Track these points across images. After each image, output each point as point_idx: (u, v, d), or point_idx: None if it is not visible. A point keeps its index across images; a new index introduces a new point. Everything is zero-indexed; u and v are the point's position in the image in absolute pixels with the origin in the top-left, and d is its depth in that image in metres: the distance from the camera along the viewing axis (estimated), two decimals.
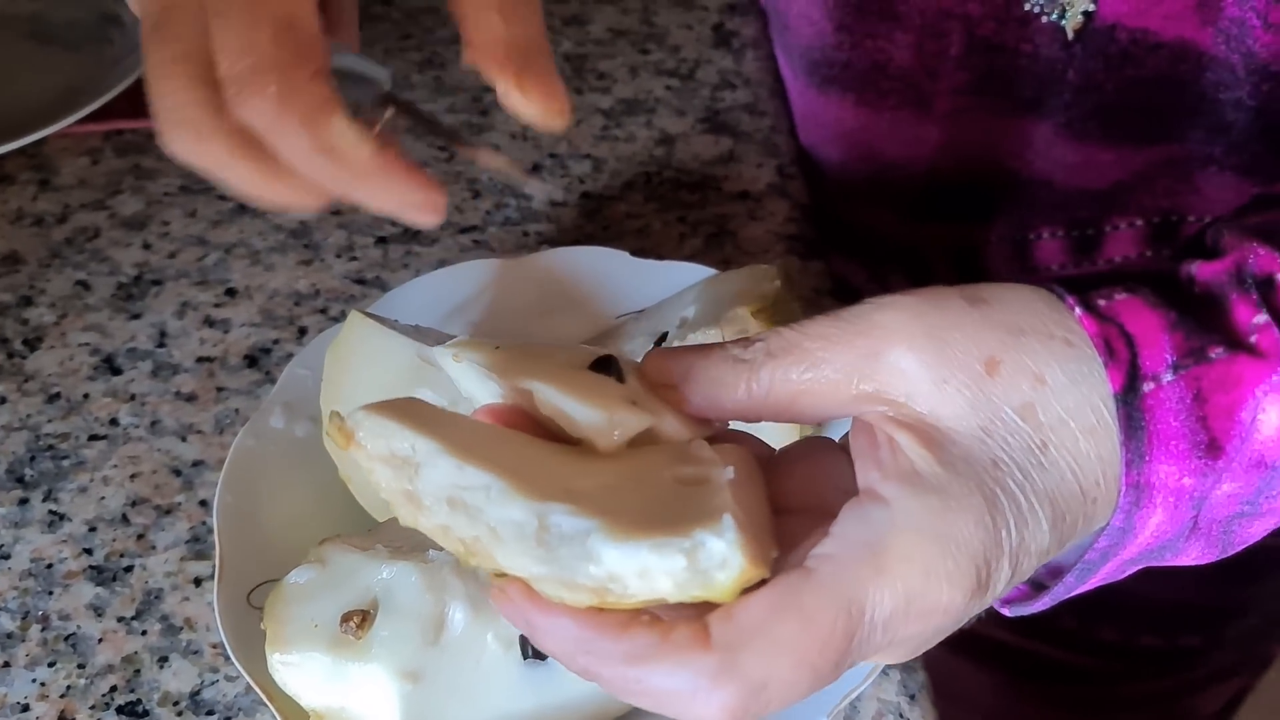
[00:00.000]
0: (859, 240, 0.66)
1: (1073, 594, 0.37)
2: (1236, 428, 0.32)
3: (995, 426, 0.31)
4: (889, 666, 0.48)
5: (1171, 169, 0.54)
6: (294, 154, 0.31)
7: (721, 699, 0.30)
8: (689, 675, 0.30)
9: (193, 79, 0.31)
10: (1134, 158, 0.54)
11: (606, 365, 0.35)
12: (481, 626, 0.41)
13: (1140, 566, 0.37)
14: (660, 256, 0.57)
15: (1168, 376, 0.32)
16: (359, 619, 0.41)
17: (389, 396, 0.48)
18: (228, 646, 0.43)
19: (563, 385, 0.34)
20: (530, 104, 0.33)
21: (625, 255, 0.56)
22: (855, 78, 0.59)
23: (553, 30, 0.79)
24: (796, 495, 0.35)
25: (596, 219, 0.65)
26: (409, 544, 0.43)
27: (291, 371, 0.52)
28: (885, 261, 0.65)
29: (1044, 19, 0.52)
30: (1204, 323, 0.33)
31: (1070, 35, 0.51)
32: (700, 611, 0.31)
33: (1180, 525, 0.34)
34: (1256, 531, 0.36)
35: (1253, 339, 0.33)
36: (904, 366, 0.32)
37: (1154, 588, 0.69)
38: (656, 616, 0.31)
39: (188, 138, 0.31)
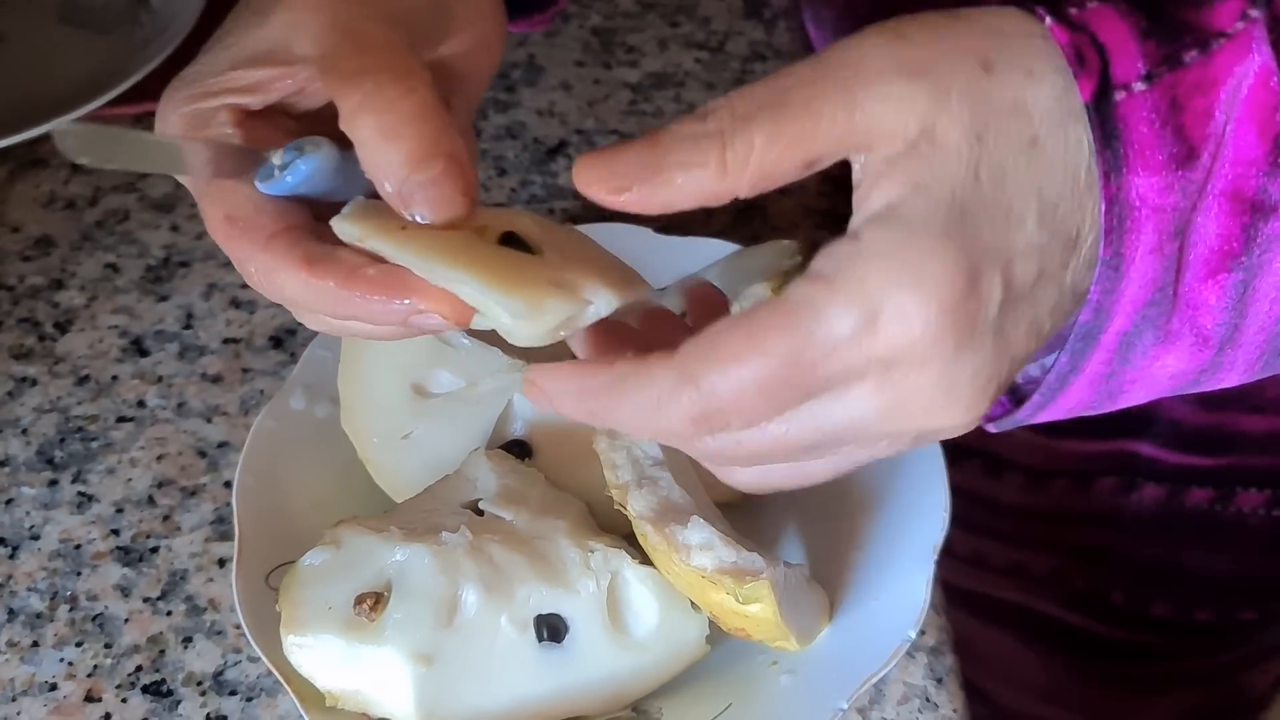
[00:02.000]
0: None
1: (1072, 392, 0.35)
2: (1212, 127, 0.31)
3: (988, 129, 0.30)
4: (914, 649, 0.47)
5: None
6: (293, 302, 0.37)
7: (679, 407, 0.31)
8: (654, 389, 0.31)
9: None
10: None
11: (513, 240, 0.35)
12: (495, 609, 0.41)
13: (1170, 387, 0.35)
14: (687, 233, 0.56)
15: (1140, 85, 0.31)
16: (372, 601, 0.41)
17: (405, 378, 0.48)
18: (246, 628, 0.43)
19: (482, 271, 0.33)
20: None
21: (648, 232, 0.55)
22: None
23: (581, 4, 0.78)
24: None
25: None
26: (423, 526, 0.43)
27: (312, 353, 0.51)
28: None
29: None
30: (1179, 27, 0.31)
31: None
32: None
33: (1166, 263, 0.32)
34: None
35: (1235, 27, 0.31)
36: (899, 88, 0.30)
37: (1208, 560, 0.68)
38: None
39: (304, 317, 0.38)
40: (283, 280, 0.36)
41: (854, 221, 0.31)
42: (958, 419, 0.31)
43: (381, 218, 0.35)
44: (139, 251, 0.63)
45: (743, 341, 0.30)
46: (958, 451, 0.68)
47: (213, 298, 0.61)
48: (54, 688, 0.47)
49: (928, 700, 0.46)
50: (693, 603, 0.43)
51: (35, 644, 0.49)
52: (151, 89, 0.66)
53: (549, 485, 0.46)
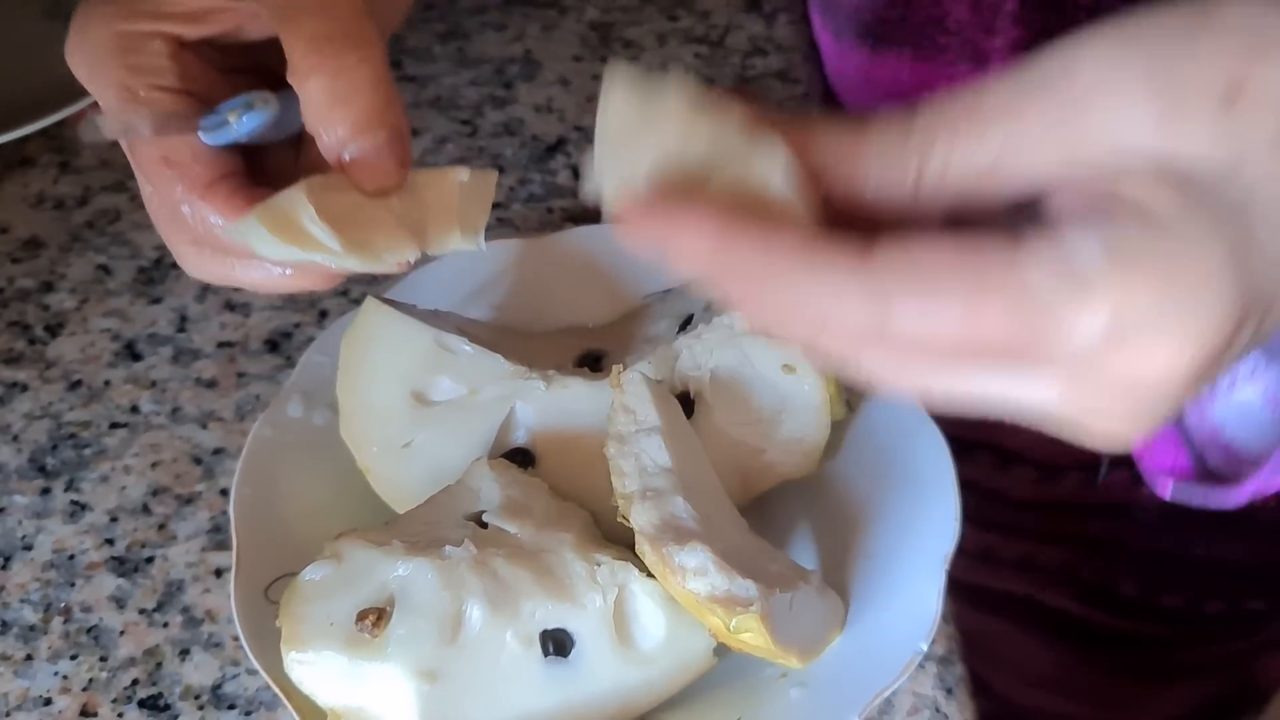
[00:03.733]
0: None
1: None
2: None
3: (1243, 164, 0.26)
4: (924, 659, 0.46)
5: None
6: (224, 242, 0.38)
7: (853, 320, 0.26)
8: (831, 290, 0.26)
9: (166, 217, 0.39)
10: None
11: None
12: (500, 625, 0.40)
13: None
14: None
15: None
16: (375, 617, 0.40)
17: (405, 385, 0.47)
18: (244, 643, 0.42)
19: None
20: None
21: None
22: (911, 35, 0.57)
23: None
24: None
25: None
26: (425, 539, 0.42)
27: (309, 359, 0.50)
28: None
29: None
30: None
31: None
32: None
33: None
34: None
35: None
36: (1124, 113, 0.26)
37: (1219, 551, 0.67)
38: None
39: (186, 262, 0.39)
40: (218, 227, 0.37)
41: (1095, 196, 0.27)
42: (1120, 435, 0.28)
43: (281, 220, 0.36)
44: (131, 253, 0.62)
45: (961, 294, 0.26)
46: (966, 445, 0.68)
47: (206, 300, 0.60)
48: (48, 702, 0.46)
49: (937, 710, 0.46)
50: None
51: (29, 657, 0.48)
52: None
53: (553, 495, 0.45)
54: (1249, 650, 0.75)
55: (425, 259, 0.38)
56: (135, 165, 0.38)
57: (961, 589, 0.79)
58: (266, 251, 0.35)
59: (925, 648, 0.41)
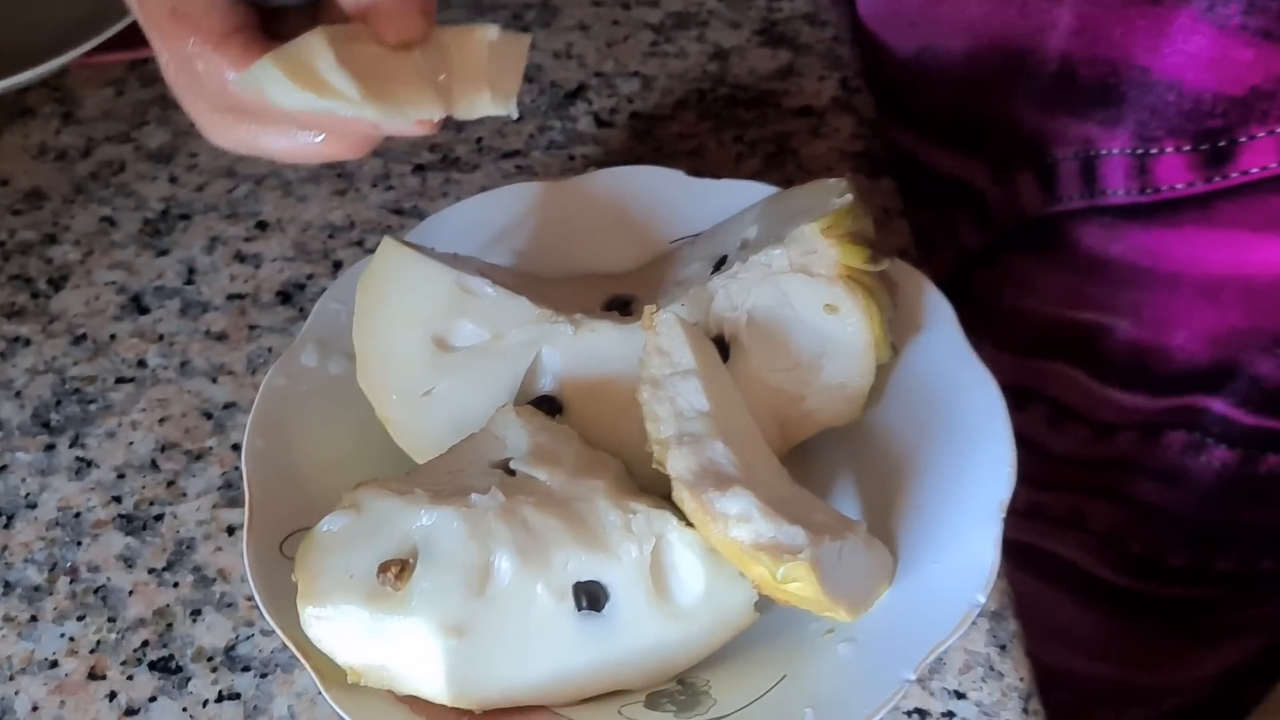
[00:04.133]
0: (983, 135, 0.61)
1: None
2: None
3: None
4: (977, 615, 0.44)
5: None
6: (242, 101, 0.36)
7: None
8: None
9: (186, 86, 0.38)
10: (1276, 58, 0.49)
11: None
12: (531, 576, 0.38)
13: None
14: (719, 176, 0.53)
15: None
16: (398, 569, 0.38)
17: (426, 331, 0.45)
18: (259, 600, 0.40)
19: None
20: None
21: (680, 174, 0.52)
22: None
23: None
24: None
25: (647, 140, 0.61)
26: (450, 488, 0.39)
27: (324, 305, 0.48)
28: (1012, 157, 0.60)
29: None
30: None
31: None
32: None
33: None
34: None
35: None
36: None
37: (1273, 517, 0.65)
38: None
39: (213, 131, 0.38)
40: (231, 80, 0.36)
41: None
42: None
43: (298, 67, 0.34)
44: (136, 204, 0.60)
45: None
46: (1019, 397, 0.65)
47: (215, 251, 0.57)
48: (55, 665, 0.44)
49: (991, 669, 0.43)
50: None
51: (34, 619, 0.45)
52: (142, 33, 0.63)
53: (583, 443, 0.42)
54: None
55: (453, 123, 0.36)
56: (146, 26, 0.37)
57: (1007, 549, 0.78)
58: (281, 98, 0.33)
59: (983, 599, 0.39)
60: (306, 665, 0.39)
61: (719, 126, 0.62)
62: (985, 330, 0.65)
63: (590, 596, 0.38)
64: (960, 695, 0.42)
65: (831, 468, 0.45)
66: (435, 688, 0.38)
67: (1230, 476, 0.63)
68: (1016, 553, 0.72)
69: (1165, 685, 0.79)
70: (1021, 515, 0.71)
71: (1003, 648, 0.44)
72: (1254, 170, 0.52)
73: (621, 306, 0.48)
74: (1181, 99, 0.52)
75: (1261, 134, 0.51)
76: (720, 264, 0.46)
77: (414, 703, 0.38)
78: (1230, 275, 0.56)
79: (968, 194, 0.62)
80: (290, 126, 0.37)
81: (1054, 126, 0.57)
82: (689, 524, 0.39)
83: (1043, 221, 0.59)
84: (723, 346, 0.45)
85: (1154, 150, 0.54)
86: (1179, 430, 0.62)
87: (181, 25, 0.35)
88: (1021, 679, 0.43)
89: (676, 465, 0.38)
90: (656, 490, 0.41)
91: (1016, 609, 0.46)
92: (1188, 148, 0.53)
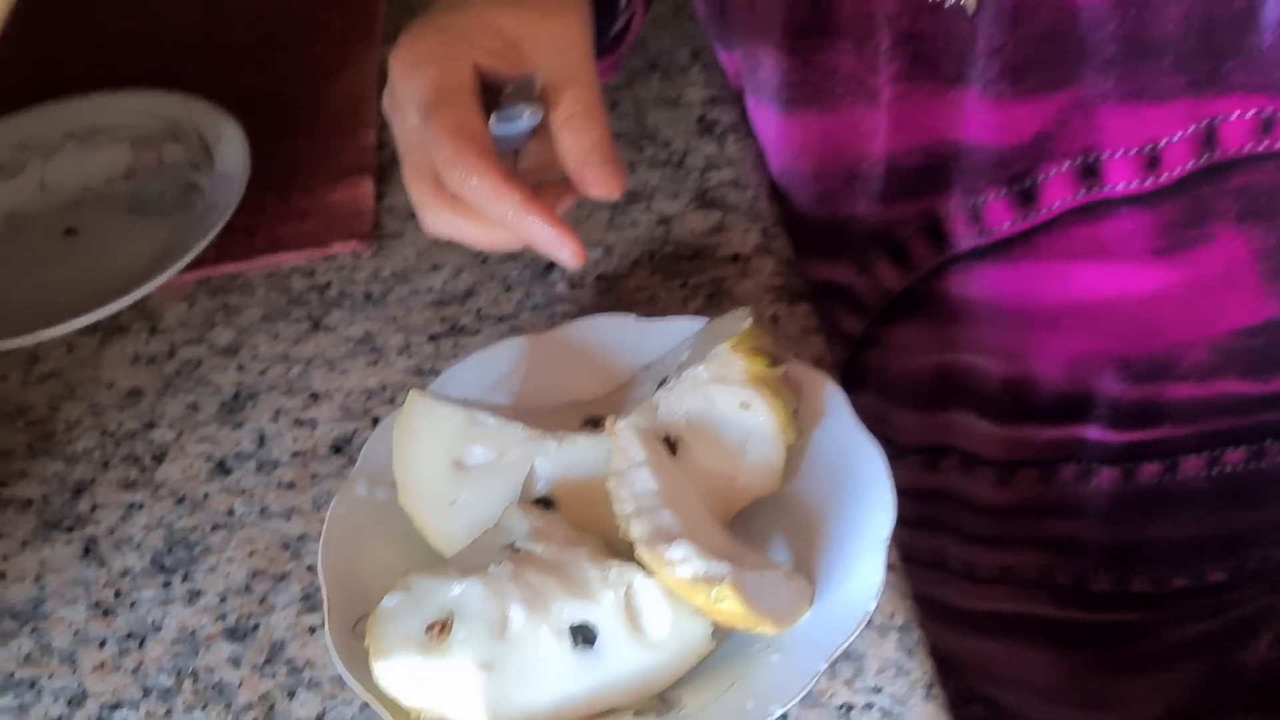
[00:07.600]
0: (843, 240, 0.73)
1: None
2: None
3: None
4: (887, 628, 0.56)
5: (1079, 110, 0.60)
6: (473, 200, 0.53)
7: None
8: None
9: (421, 176, 0.55)
10: (1046, 107, 0.61)
11: None
12: (537, 621, 0.51)
13: None
14: (664, 316, 0.68)
15: None
16: (440, 627, 0.51)
17: (447, 456, 0.59)
18: (341, 669, 0.54)
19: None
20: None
21: (632, 317, 0.67)
22: (814, 92, 0.68)
23: None
24: None
25: (610, 295, 0.76)
26: (473, 566, 0.53)
27: (370, 448, 0.63)
28: (867, 250, 0.72)
29: (947, 4, 0.61)
30: None
31: (970, 12, 0.60)
32: None
33: None
34: None
35: None
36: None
37: (1171, 530, 0.73)
38: None
39: (426, 211, 0.55)
40: (484, 189, 0.52)
41: None
42: None
43: None
44: (213, 391, 0.75)
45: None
46: (931, 452, 0.75)
47: (280, 420, 0.73)
48: None
49: (900, 669, 0.56)
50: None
51: (168, 712, 0.59)
52: (209, 257, 0.79)
53: (570, 527, 0.56)
54: (1226, 630, 0.78)
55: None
56: (428, 127, 0.53)
57: (951, 613, 0.87)
58: None
59: (873, 607, 0.52)
60: (381, 710, 0.52)
61: (667, 277, 0.77)
62: (890, 397, 0.77)
63: (584, 635, 0.52)
64: (877, 690, 0.55)
65: (764, 527, 0.59)
66: (477, 714, 0.51)
67: (1120, 494, 0.71)
68: (960, 617, 0.80)
69: None
70: (959, 576, 0.79)
71: (909, 652, 0.56)
72: (1056, 204, 0.63)
73: (595, 424, 0.63)
74: (988, 155, 0.63)
75: (1054, 170, 0.62)
76: (663, 383, 0.61)
77: None
78: (1063, 304, 0.66)
79: (839, 290, 0.74)
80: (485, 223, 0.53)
81: (895, 213, 0.69)
82: (651, 574, 0.53)
83: (905, 291, 0.71)
84: (671, 445, 0.59)
85: (980, 200, 0.65)
86: (1070, 463, 0.71)
87: (462, 138, 0.52)
88: (925, 673, 0.56)
89: (636, 531, 0.52)
90: (626, 555, 0.55)
91: (959, 663, 0.57)
92: (1005, 191, 0.64)
